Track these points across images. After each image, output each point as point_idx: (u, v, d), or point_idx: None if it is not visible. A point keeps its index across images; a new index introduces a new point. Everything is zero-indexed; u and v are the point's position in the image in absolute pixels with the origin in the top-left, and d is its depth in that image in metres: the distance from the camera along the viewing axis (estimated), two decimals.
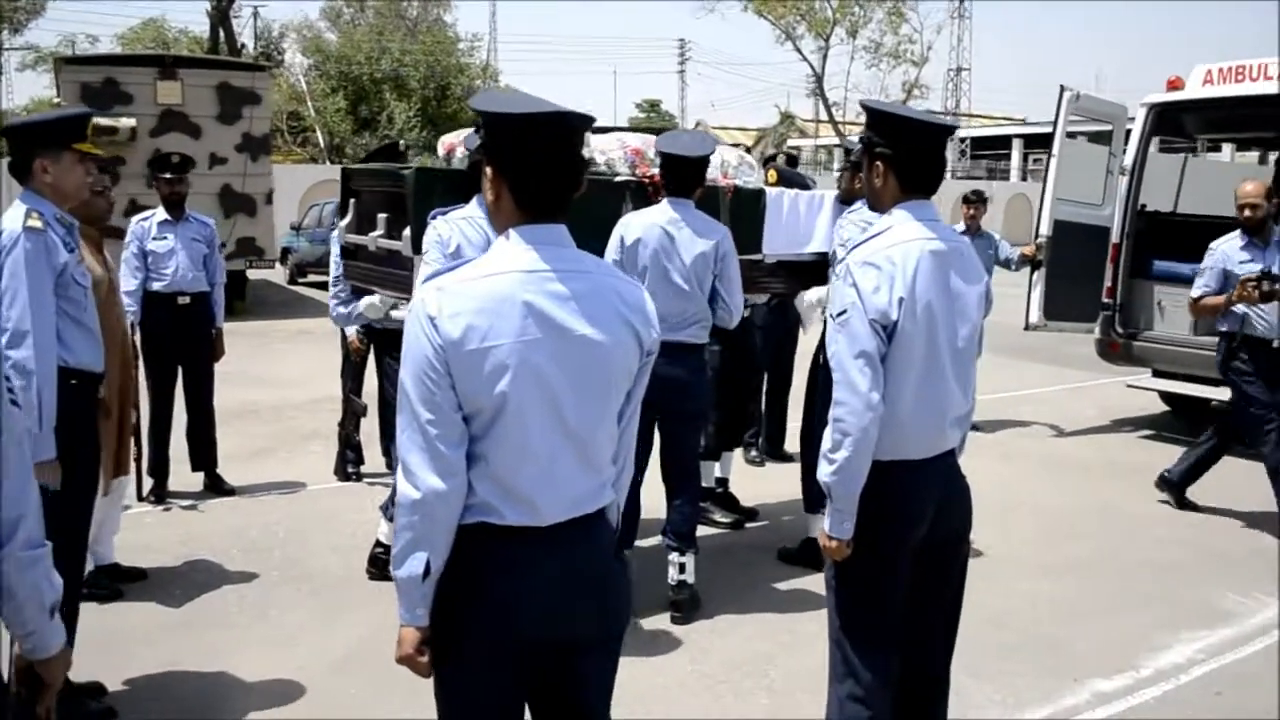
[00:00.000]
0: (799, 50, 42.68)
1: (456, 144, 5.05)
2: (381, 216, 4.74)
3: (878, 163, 2.84)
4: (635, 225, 4.64)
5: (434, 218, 4.26)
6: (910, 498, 2.81)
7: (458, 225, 4.21)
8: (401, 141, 6.06)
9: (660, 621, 4.74)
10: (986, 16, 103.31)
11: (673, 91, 71.02)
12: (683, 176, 4.63)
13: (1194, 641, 4.70)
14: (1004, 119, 53.31)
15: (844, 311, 2.74)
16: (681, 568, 4.80)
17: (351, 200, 5.09)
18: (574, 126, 2.13)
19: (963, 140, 46.65)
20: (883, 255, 2.72)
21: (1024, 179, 42.18)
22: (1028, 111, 49.54)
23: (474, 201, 4.30)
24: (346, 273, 5.32)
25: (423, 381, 2.04)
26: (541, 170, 2.09)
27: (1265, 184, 6.16)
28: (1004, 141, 47.03)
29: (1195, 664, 4.49)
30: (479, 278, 2.06)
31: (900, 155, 2.81)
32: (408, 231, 4.44)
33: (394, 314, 5.00)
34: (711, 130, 59.16)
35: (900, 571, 2.85)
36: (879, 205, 2.89)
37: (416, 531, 2.06)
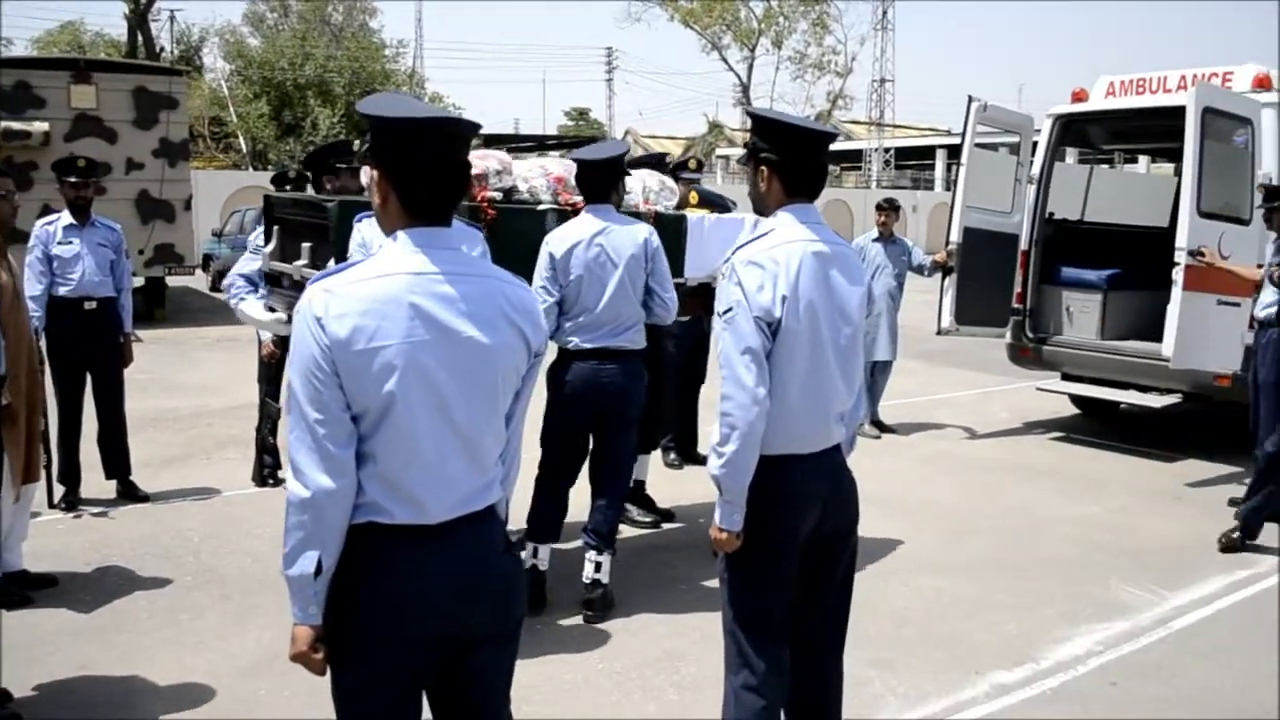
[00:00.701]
0: (725, 60, 43.13)
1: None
2: (305, 245, 4.73)
3: (763, 168, 2.93)
4: (561, 239, 4.70)
5: (360, 220, 4.26)
6: (798, 491, 2.89)
7: None
8: (357, 142, 5.86)
9: (575, 621, 4.79)
10: (910, 29, 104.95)
11: (601, 100, 71.06)
12: (597, 181, 4.74)
13: (1092, 634, 4.85)
14: (929, 130, 54.21)
15: (729, 309, 2.82)
16: (598, 566, 4.85)
17: (275, 227, 5.05)
18: (460, 132, 2.18)
19: (887, 150, 47.38)
20: (766, 255, 2.81)
21: (948, 188, 42.92)
22: (952, 123, 50.32)
23: None
24: (272, 299, 5.21)
25: (310, 381, 2.07)
26: (428, 174, 2.14)
27: None
28: (928, 152, 47.84)
29: (1093, 655, 4.63)
30: (366, 279, 2.09)
31: (784, 160, 2.90)
32: (332, 262, 4.42)
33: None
34: (640, 138, 59.45)
35: (789, 563, 2.92)
36: (764, 209, 2.98)
37: (307, 530, 2.09)
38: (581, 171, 4.77)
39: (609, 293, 4.69)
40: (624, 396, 4.80)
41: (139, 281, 12.30)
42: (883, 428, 8.91)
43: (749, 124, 3.07)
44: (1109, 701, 4.20)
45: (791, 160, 2.90)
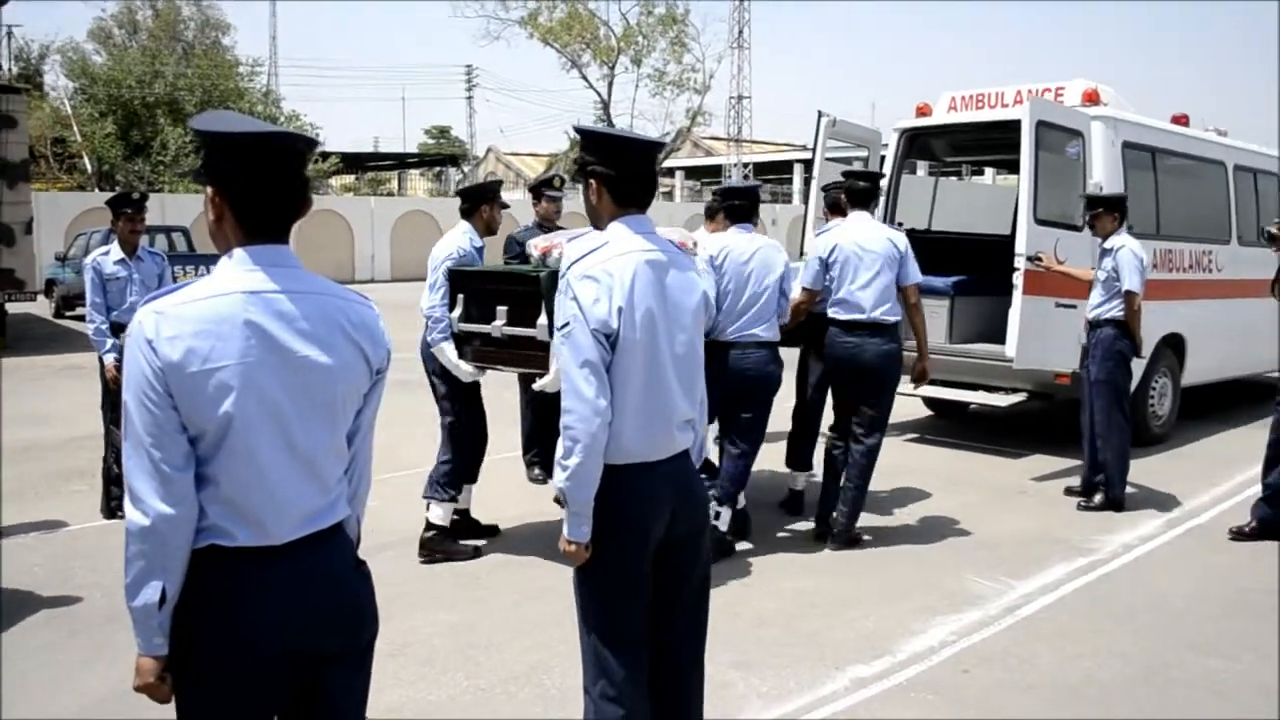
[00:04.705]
0: (585, 78, 43.27)
1: (552, 247, 5.58)
2: (501, 309, 5.52)
3: (592, 180, 2.97)
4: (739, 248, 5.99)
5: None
6: (645, 499, 2.92)
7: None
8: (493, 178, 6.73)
9: (436, 639, 4.76)
10: (766, 48, 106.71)
11: (462, 118, 70.44)
12: (744, 207, 6.21)
13: (946, 625, 5.04)
14: (785, 145, 55.31)
15: (566, 324, 2.84)
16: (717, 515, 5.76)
17: (460, 295, 5.78)
18: (296, 147, 2.16)
19: (746, 165, 48.20)
20: (600, 268, 2.84)
21: (806, 201, 43.73)
22: (807, 138, 51.46)
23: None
24: (465, 355, 5.79)
25: (144, 405, 2.03)
26: (265, 190, 2.12)
27: None
28: (786, 166, 48.85)
29: (946, 645, 4.80)
30: (199, 299, 2.06)
31: (612, 172, 2.94)
32: (543, 319, 5.21)
33: (535, 385, 5.65)
34: (503, 156, 58.99)
35: (641, 570, 2.95)
36: (597, 222, 3.02)
37: (149, 559, 2.04)
38: (732, 196, 6.35)
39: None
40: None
41: None
42: None
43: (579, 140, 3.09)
44: (960, 689, 4.36)
45: (620, 171, 2.94)
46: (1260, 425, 9.69)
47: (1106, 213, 7.15)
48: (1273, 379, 10.01)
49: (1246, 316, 9.84)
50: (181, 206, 26.46)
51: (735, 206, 6.21)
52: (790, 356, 6.45)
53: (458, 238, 5.99)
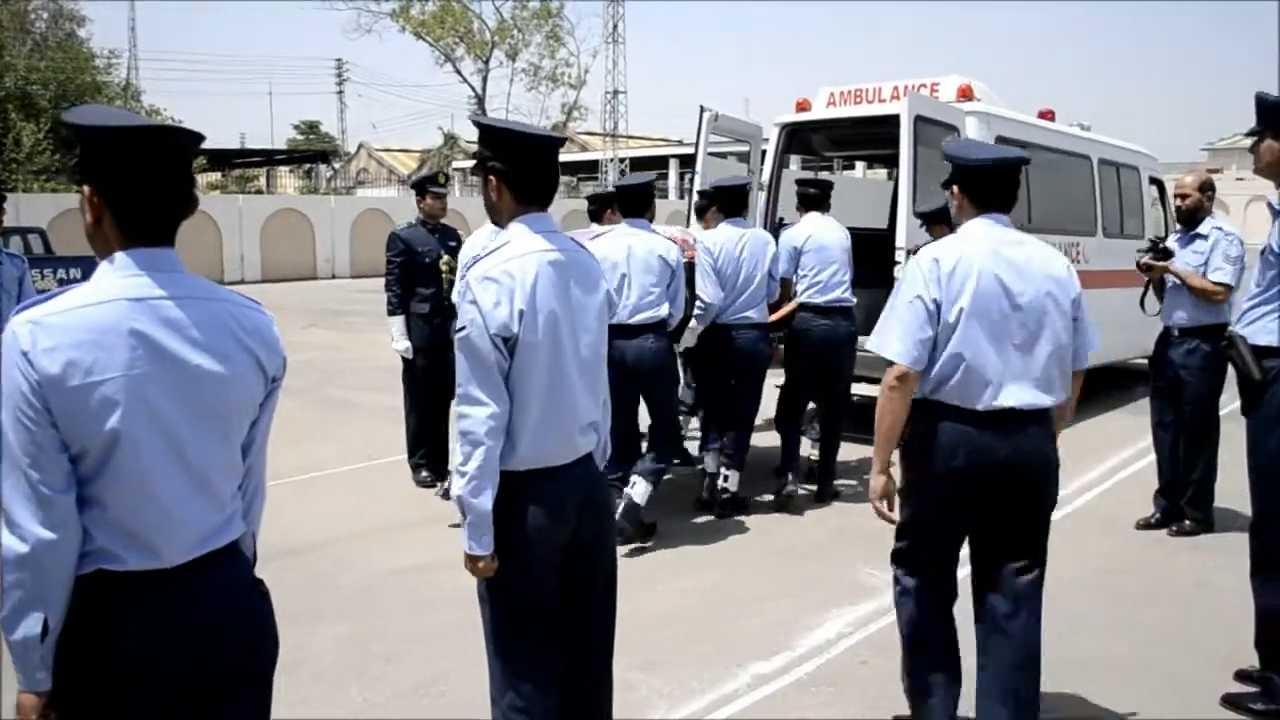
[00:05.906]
0: (459, 72, 42.89)
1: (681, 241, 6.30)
2: None
3: (491, 177, 2.89)
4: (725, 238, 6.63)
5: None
6: (550, 504, 2.86)
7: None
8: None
9: (329, 653, 4.62)
10: (640, 43, 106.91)
11: (332, 113, 68.99)
12: (733, 203, 6.85)
13: (842, 617, 5.09)
14: (661, 140, 55.63)
15: (464, 328, 2.77)
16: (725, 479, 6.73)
17: None
18: (180, 143, 2.05)
19: (622, 161, 48.33)
20: (501, 269, 2.77)
21: (681, 196, 44.11)
22: (682, 133, 51.82)
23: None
24: None
25: (20, 423, 1.90)
26: (148, 190, 2.00)
27: (1200, 175, 6.48)
28: (662, 161, 49.11)
29: (843, 637, 4.86)
30: (78, 308, 1.94)
31: (512, 169, 2.87)
32: None
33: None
34: (375, 152, 57.83)
35: (547, 577, 2.90)
36: (498, 220, 2.94)
37: (28, 589, 1.91)
38: (721, 192, 6.94)
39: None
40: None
41: None
42: None
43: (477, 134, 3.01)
44: (859, 680, 4.42)
45: (520, 168, 2.87)
46: (1122, 412, 10.14)
47: (935, 225, 7.34)
48: (1139, 366, 10.39)
49: (1112, 307, 10.19)
50: (37, 207, 25.30)
51: (725, 203, 6.89)
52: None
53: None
